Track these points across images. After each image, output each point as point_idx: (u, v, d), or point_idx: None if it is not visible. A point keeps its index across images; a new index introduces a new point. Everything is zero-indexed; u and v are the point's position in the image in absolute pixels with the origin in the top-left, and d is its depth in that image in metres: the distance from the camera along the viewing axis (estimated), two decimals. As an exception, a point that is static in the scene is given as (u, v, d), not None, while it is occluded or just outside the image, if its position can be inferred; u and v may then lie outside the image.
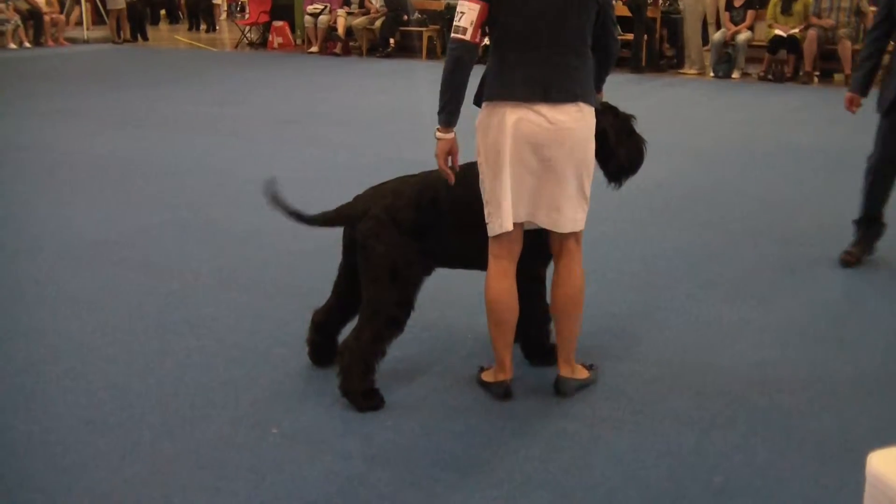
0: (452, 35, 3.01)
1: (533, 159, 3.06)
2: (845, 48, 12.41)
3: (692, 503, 2.74)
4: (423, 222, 3.25)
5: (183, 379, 3.48)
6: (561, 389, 3.35)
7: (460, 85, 3.03)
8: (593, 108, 3.13)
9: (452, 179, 3.16)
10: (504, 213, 3.10)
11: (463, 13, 2.99)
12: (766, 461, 2.97)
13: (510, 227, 3.12)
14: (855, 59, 12.73)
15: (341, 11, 16.05)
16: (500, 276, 3.20)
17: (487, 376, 3.41)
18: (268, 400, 3.32)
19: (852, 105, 4.83)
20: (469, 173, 3.29)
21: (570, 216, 3.15)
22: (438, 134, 3.10)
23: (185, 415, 3.21)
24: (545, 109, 3.03)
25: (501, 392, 3.34)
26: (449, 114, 3.07)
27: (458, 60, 3.01)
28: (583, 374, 3.41)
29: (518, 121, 3.02)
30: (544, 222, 3.16)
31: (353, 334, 3.24)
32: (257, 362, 3.62)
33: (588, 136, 3.12)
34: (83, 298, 4.30)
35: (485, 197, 3.15)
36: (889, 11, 4.67)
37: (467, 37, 2.98)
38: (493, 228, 3.15)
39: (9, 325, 3.99)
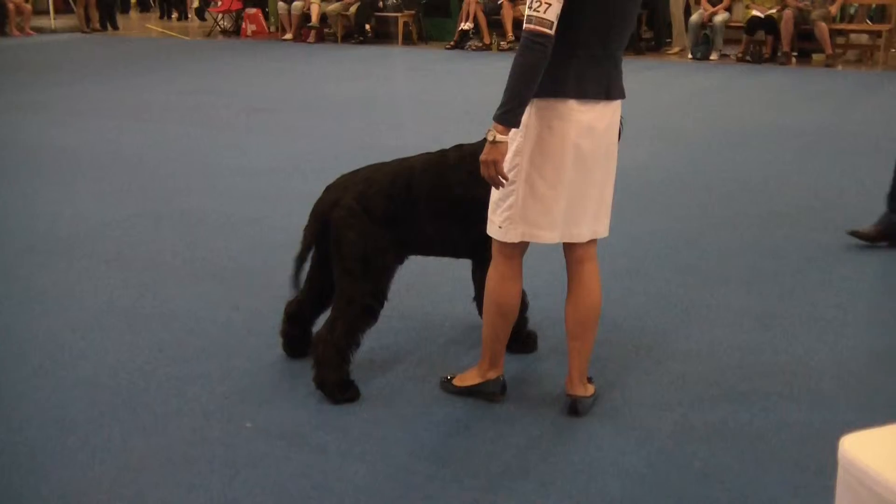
0: (537, 28, 2.67)
1: (591, 163, 2.90)
2: (821, 30, 12.45)
3: (672, 488, 2.74)
4: (396, 210, 3.22)
5: (155, 373, 3.44)
6: (579, 410, 3.14)
7: (536, 83, 2.72)
8: None
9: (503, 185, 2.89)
10: (553, 224, 2.93)
11: (549, 4, 2.67)
12: (745, 445, 2.98)
13: (556, 241, 2.99)
14: (833, 39, 12.80)
15: (315, -2, 15.95)
16: (515, 279, 3.07)
17: (468, 380, 3.28)
18: (241, 393, 3.30)
19: None
20: (443, 161, 3.27)
21: (607, 221, 3.06)
22: (500, 137, 2.72)
23: (156, 410, 3.17)
24: (604, 107, 2.89)
25: (498, 388, 3.24)
26: (519, 114, 2.74)
27: (544, 58, 2.69)
28: (591, 389, 3.22)
29: (585, 120, 2.85)
30: (587, 234, 3.01)
31: (327, 325, 3.22)
32: (230, 355, 3.59)
33: None
34: (53, 293, 4.25)
35: (511, 199, 2.92)
36: None
37: (552, 31, 2.68)
38: (513, 235, 2.97)
39: (-24, 322, 3.94)
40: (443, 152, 3.32)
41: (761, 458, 2.90)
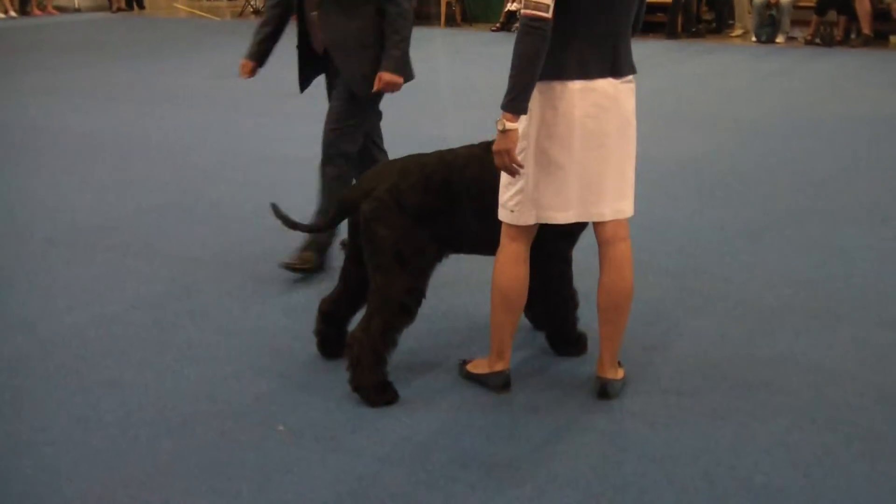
0: (533, 12, 2.82)
1: (602, 140, 3.04)
2: (901, 8, 12.28)
3: (730, 504, 2.74)
4: (433, 206, 3.24)
5: (183, 373, 3.50)
6: (609, 393, 3.28)
7: (539, 67, 2.89)
8: None
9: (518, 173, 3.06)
10: (566, 204, 3.08)
11: None
12: (811, 459, 2.96)
13: (572, 220, 3.13)
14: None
15: (352, -25, 15.96)
16: (517, 261, 3.19)
17: (478, 367, 3.39)
18: (274, 395, 3.34)
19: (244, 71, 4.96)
20: (487, 154, 3.28)
21: (631, 199, 3.20)
22: (509, 125, 2.90)
23: (185, 411, 3.23)
24: (611, 84, 3.04)
25: (501, 382, 3.34)
26: (525, 100, 2.91)
27: (543, 41, 2.85)
28: (621, 372, 3.36)
29: (591, 99, 3.00)
30: (609, 213, 3.14)
31: (362, 324, 3.25)
32: (263, 354, 3.64)
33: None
34: (77, 288, 4.33)
35: (521, 182, 3.06)
36: None
37: (550, 14, 2.83)
38: (526, 217, 3.11)
39: (-2, 317, 4.03)
40: (487, 144, 3.32)
41: (830, 473, 2.88)
